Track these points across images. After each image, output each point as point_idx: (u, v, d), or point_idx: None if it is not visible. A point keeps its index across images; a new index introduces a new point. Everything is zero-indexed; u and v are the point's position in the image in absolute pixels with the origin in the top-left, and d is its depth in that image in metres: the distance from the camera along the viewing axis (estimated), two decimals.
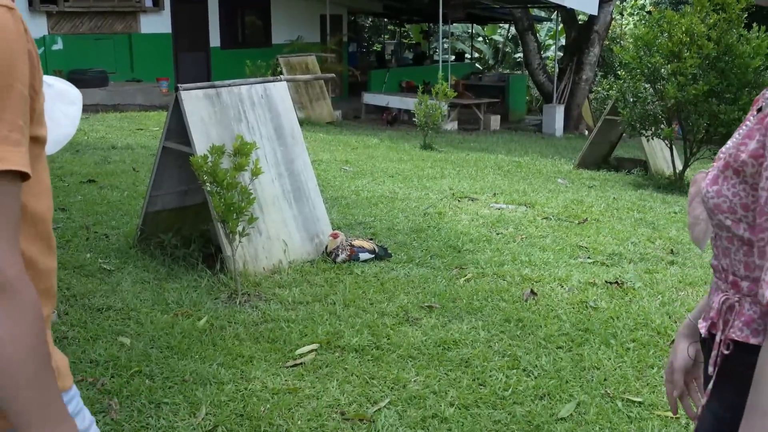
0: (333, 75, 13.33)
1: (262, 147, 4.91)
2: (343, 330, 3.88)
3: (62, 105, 1.48)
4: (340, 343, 3.74)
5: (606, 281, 4.73)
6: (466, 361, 3.58)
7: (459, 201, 6.82)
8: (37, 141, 1.04)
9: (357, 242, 5.11)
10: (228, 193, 4.22)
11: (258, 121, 5.00)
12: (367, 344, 3.73)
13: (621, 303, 4.37)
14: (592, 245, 5.55)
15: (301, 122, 13.61)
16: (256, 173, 4.42)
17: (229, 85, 4.93)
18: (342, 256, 4.97)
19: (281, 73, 13.90)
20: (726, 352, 1.21)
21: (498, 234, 5.76)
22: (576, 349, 3.75)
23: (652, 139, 9.05)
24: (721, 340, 1.23)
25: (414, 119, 11.71)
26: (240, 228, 4.35)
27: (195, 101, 4.66)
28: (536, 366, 3.55)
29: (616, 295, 4.51)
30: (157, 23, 15.66)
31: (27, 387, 0.96)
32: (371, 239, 5.38)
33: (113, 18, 14.98)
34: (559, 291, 4.56)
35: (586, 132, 16.76)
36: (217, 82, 4.93)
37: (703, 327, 1.33)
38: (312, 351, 3.66)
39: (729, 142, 1.24)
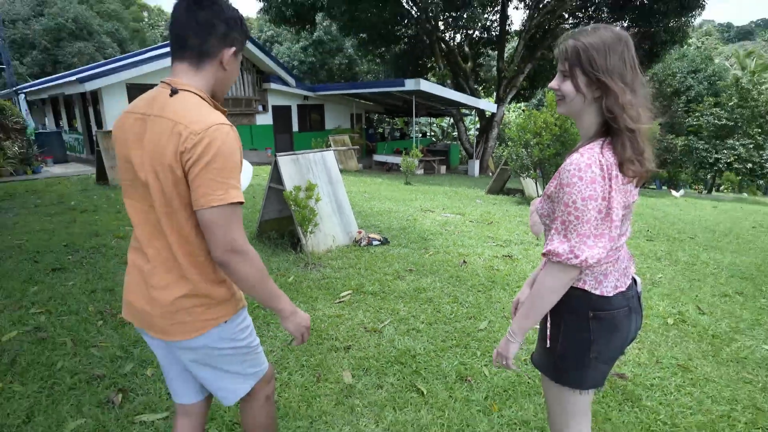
0: (357, 147, 13.44)
1: (321, 186, 4.91)
2: (364, 282, 3.87)
3: (243, 172, 1.80)
4: (363, 290, 3.73)
5: (503, 255, 4.70)
6: (430, 299, 3.56)
7: (424, 212, 6.77)
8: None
9: (372, 235, 5.10)
10: (303, 211, 4.21)
11: (318, 172, 4.99)
12: (377, 290, 3.72)
13: (511, 267, 4.35)
14: (495, 235, 5.50)
15: (341, 171, 13.58)
16: (317, 200, 4.42)
17: (303, 153, 4.92)
18: (363, 243, 4.95)
19: (329, 145, 13.92)
20: None
21: (446, 230, 5.70)
22: (487, 292, 3.73)
23: (526, 178, 9.04)
24: None
25: (400, 168, 11.69)
26: (309, 229, 4.35)
27: (285, 162, 4.65)
28: (467, 301, 3.54)
29: (508, 263, 4.48)
30: (265, 119, 15.65)
31: (265, 292, 1.21)
32: (379, 233, 5.37)
33: (241, 117, 14.97)
34: (478, 261, 4.53)
35: (491, 174, 16.72)
36: (297, 151, 4.92)
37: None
38: (348, 294, 3.64)
39: None
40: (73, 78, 11.57)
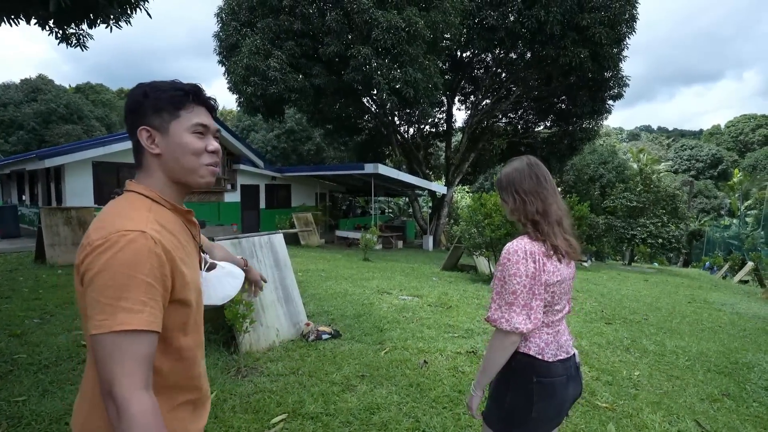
0: (314, 227, 12.51)
1: (266, 272, 3.88)
2: (305, 398, 2.74)
3: (230, 279, 1.28)
4: (302, 411, 2.59)
5: (467, 351, 3.69)
6: (386, 424, 2.47)
7: (381, 295, 5.74)
8: (184, 302, 0.86)
9: (321, 327, 4.00)
10: (235, 307, 3.13)
11: (264, 256, 3.98)
12: (320, 411, 2.60)
13: (477, 367, 3.36)
14: (455, 323, 4.51)
15: (303, 246, 12.43)
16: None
17: (247, 236, 3.93)
18: (312, 337, 3.85)
19: (293, 222, 12.94)
20: None
21: (403, 317, 4.67)
22: (455, 409, 2.68)
23: (479, 256, 8.31)
24: None
25: (359, 244, 10.77)
26: (244, 327, 3.24)
27: (226, 246, 3.62)
28: (431, 425, 2.47)
29: (474, 362, 3.47)
30: (233, 196, 14.62)
31: None
32: (330, 323, 4.28)
33: (210, 194, 13.90)
34: (440, 359, 3.49)
35: (443, 247, 16.12)
36: (240, 235, 3.92)
37: None
38: (282, 420, 2.50)
39: None
40: (33, 155, 10.29)
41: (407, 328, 4.24)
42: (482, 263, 8.45)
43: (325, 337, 3.87)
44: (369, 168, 12.61)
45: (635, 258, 21.13)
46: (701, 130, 70.01)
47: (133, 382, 0.74)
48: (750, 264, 14.10)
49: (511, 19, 13.51)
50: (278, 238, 4.20)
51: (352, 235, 14.71)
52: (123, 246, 0.76)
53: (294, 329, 3.95)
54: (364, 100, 16.13)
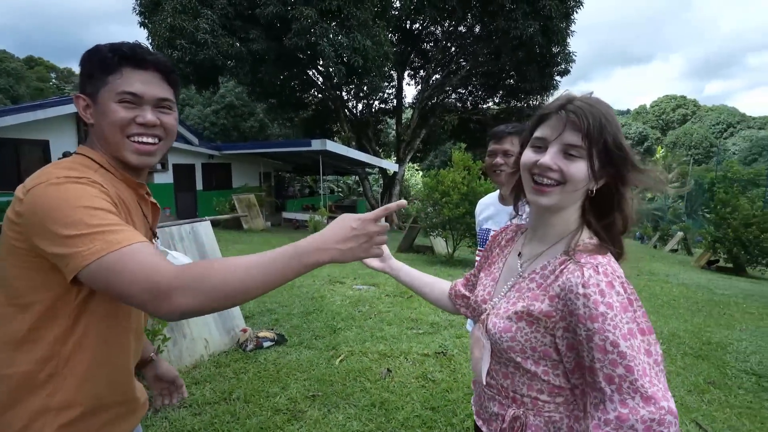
0: (253, 212, 11.51)
1: None
2: None
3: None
4: None
5: (435, 352, 3.17)
6: None
7: (333, 285, 5.09)
8: None
9: (262, 333, 3.30)
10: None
11: (186, 250, 3.17)
12: None
13: (449, 374, 2.83)
14: (418, 316, 3.97)
15: (246, 231, 11.40)
16: None
17: (163, 227, 3.09)
18: (250, 346, 3.15)
19: (234, 204, 11.83)
20: None
21: (359, 312, 4.06)
22: None
23: (435, 236, 7.90)
24: None
25: (307, 226, 9.98)
26: (155, 347, 2.47)
27: None
28: None
29: (444, 365, 2.96)
30: (164, 177, 13.10)
31: (272, 276, 0.68)
32: (273, 328, 3.58)
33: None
34: (405, 366, 2.93)
35: (395, 227, 15.71)
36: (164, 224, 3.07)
37: None
38: None
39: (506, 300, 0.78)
40: None
41: (365, 326, 3.66)
42: (439, 244, 8.06)
43: (266, 344, 3.19)
44: (316, 144, 11.73)
45: None
46: (628, 110, 74.90)
47: (159, 265, 0.65)
48: (680, 233, 15.08)
49: None
50: (204, 227, 3.39)
51: (299, 216, 13.85)
52: (69, 186, 0.69)
53: (228, 337, 3.23)
54: (310, 73, 15.02)
